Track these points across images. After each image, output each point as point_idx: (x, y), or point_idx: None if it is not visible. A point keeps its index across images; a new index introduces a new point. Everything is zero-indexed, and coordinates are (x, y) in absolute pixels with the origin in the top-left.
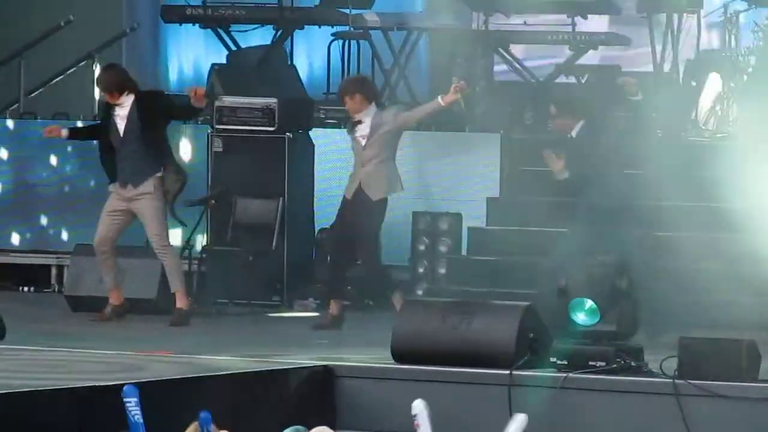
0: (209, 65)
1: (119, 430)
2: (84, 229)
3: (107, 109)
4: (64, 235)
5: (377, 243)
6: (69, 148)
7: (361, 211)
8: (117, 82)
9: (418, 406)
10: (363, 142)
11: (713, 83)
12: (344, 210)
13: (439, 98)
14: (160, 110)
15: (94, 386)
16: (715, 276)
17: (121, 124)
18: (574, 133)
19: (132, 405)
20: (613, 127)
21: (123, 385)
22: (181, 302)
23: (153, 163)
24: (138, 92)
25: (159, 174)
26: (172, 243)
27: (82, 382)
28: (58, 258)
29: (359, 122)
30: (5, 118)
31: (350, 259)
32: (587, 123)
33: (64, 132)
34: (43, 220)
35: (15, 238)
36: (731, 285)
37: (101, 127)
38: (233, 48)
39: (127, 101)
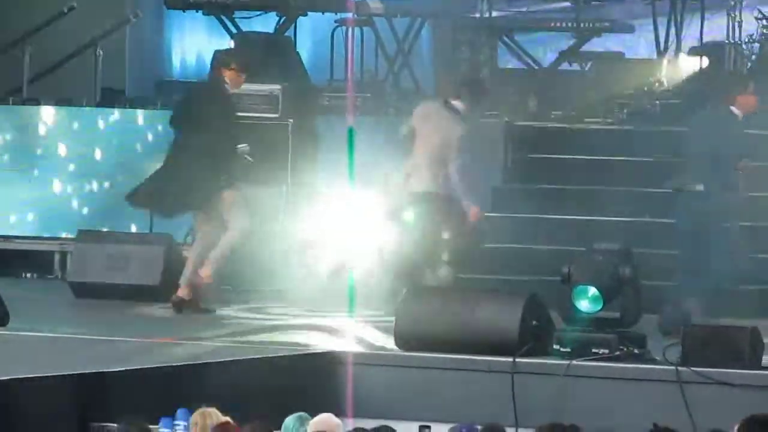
0: (212, 52)
1: (121, 415)
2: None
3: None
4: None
5: None
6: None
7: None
8: None
9: None
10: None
11: None
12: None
13: None
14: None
15: (97, 372)
16: None
17: None
18: None
19: (180, 429)
20: None
21: (122, 372)
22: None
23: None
24: None
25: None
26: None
27: (84, 368)
28: (61, 244)
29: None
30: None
31: None
32: None
33: None
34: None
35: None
36: None
37: None
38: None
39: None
